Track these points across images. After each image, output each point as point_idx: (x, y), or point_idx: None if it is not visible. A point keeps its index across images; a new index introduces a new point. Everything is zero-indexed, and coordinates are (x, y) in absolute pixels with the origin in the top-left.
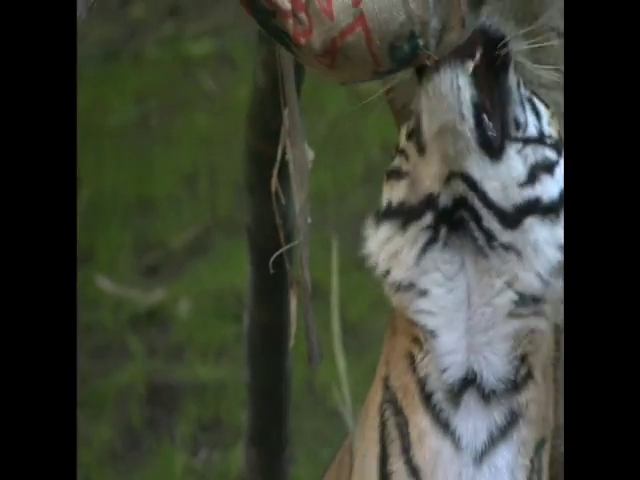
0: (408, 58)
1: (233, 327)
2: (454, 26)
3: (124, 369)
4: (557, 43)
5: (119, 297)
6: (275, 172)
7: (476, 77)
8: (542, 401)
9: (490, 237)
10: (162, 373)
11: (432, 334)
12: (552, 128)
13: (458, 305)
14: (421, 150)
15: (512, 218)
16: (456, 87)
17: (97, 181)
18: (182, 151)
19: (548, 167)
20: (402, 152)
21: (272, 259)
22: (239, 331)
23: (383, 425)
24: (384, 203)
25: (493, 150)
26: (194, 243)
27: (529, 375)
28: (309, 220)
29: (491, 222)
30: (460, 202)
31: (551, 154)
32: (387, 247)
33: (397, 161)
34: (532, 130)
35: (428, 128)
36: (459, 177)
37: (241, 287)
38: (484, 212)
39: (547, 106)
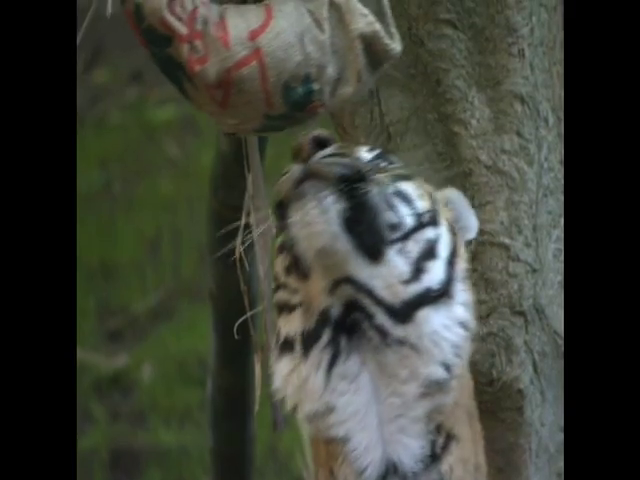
0: (301, 102)
1: (196, 392)
2: (350, 79)
3: (87, 434)
4: (520, 110)
5: (82, 362)
6: (239, 238)
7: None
8: (469, 454)
9: (383, 334)
10: (125, 438)
11: (345, 441)
12: (423, 200)
13: (366, 404)
14: (305, 276)
15: (402, 312)
16: (322, 210)
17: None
18: (145, 216)
19: (430, 251)
20: (285, 286)
21: (237, 324)
22: (202, 396)
23: None
24: (281, 337)
25: (372, 254)
26: (157, 308)
27: (449, 438)
28: (273, 285)
29: (382, 318)
30: (350, 305)
31: (430, 232)
32: (291, 380)
33: (282, 295)
34: (408, 222)
35: (306, 254)
36: (345, 282)
37: (204, 352)
38: (374, 309)
39: (409, 178)
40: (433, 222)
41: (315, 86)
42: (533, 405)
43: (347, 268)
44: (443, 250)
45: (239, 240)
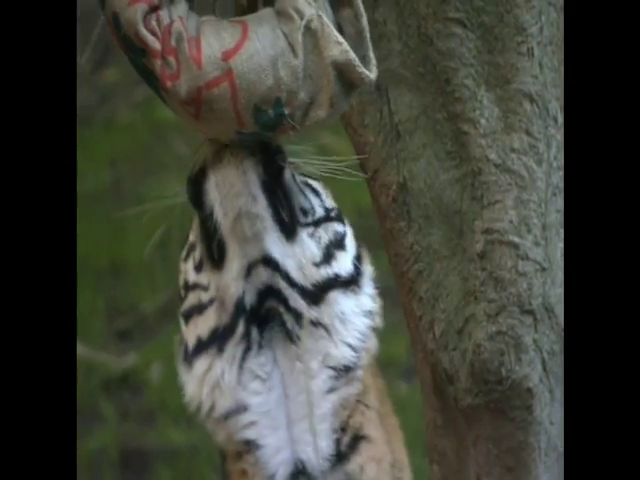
0: (272, 124)
1: None
2: (322, 103)
3: (96, 433)
4: (529, 108)
5: (91, 361)
6: None
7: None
8: (383, 453)
9: (298, 316)
10: (135, 438)
11: (255, 444)
12: (329, 199)
13: (278, 403)
14: (218, 263)
15: (314, 294)
16: (242, 171)
17: None
18: (155, 215)
19: (339, 242)
20: (195, 287)
21: None
22: None
23: None
24: (193, 342)
25: (288, 230)
26: (166, 307)
27: (358, 438)
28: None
29: (297, 300)
30: (265, 292)
31: (339, 227)
32: (207, 379)
33: (192, 298)
34: (319, 211)
35: (224, 221)
36: (260, 263)
37: None
38: (289, 292)
39: (318, 181)
40: (340, 219)
41: (286, 110)
42: (542, 404)
43: (264, 244)
44: (350, 246)
45: None
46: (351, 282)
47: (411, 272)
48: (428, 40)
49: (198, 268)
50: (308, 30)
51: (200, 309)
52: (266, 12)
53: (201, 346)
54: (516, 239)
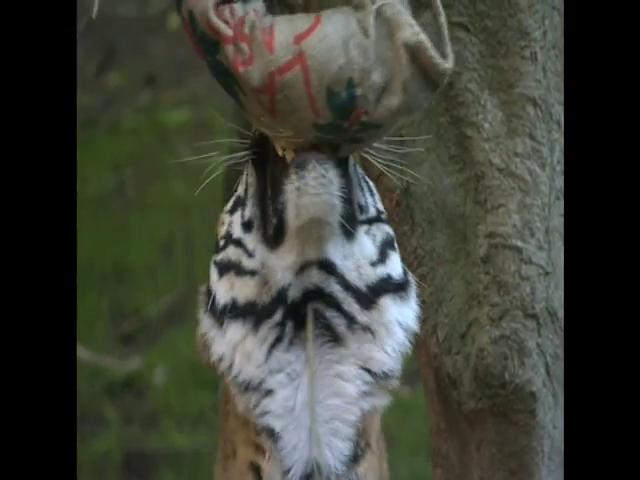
0: (345, 107)
1: (209, 395)
2: (396, 89)
3: (100, 437)
4: (532, 112)
5: (95, 365)
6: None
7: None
8: (377, 465)
9: (351, 320)
10: (138, 441)
11: (276, 437)
12: (381, 204)
13: (303, 405)
14: (274, 245)
15: (367, 299)
16: (327, 181)
17: None
18: (158, 219)
19: (391, 243)
20: (239, 244)
21: None
22: (215, 399)
23: None
24: (226, 300)
25: (348, 230)
26: (170, 311)
27: (367, 445)
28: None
29: (351, 304)
30: (313, 293)
31: (389, 229)
32: (240, 348)
33: (232, 253)
34: (372, 210)
35: (294, 222)
36: (315, 265)
37: None
38: (343, 296)
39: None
40: (388, 223)
41: (358, 91)
42: (546, 408)
43: (325, 247)
44: (398, 250)
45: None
46: (400, 287)
47: (415, 276)
48: None
49: (246, 227)
50: (380, 14)
51: (240, 271)
52: (342, 7)
53: (236, 311)
54: (519, 243)
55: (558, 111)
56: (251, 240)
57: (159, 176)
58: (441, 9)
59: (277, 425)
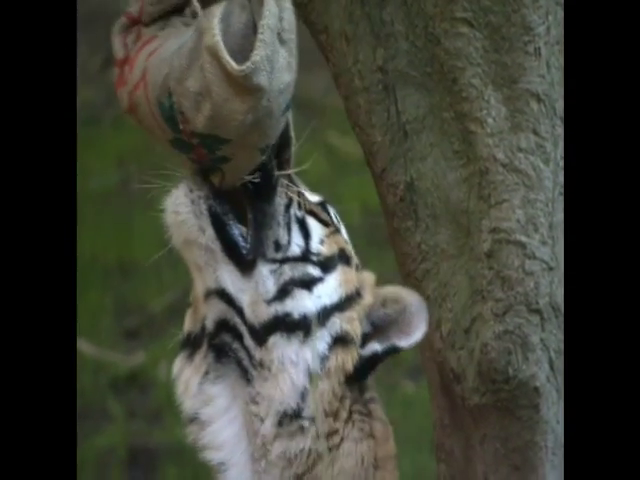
0: (170, 116)
1: None
2: (205, 94)
3: (104, 432)
4: (536, 108)
5: (99, 360)
6: None
7: (230, 198)
8: None
9: (250, 356)
10: (142, 436)
11: (220, 469)
12: (324, 246)
13: (237, 437)
14: (191, 271)
15: (259, 335)
16: (190, 200)
17: (77, 245)
18: (162, 215)
19: (306, 283)
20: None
21: None
22: None
23: None
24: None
25: (244, 263)
26: (174, 306)
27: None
28: None
29: (248, 340)
30: (222, 324)
31: (314, 271)
32: (181, 379)
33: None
34: (295, 250)
35: (176, 242)
36: (216, 295)
37: None
38: (243, 329)
39: (327, 224)
40: (322, 265)
41: (174, 98)
42: (549, 403)
43: (217, 274)
44: (324, 295)
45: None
46: (299, 326)
47: (418, 271)
48: (435, 40)
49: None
50: (200, 22)
51: (189, 305)
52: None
53: (181, 344)
54: (523, 238)
55: (562, 106)
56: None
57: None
58: (267, 12)
59: (216, 457)
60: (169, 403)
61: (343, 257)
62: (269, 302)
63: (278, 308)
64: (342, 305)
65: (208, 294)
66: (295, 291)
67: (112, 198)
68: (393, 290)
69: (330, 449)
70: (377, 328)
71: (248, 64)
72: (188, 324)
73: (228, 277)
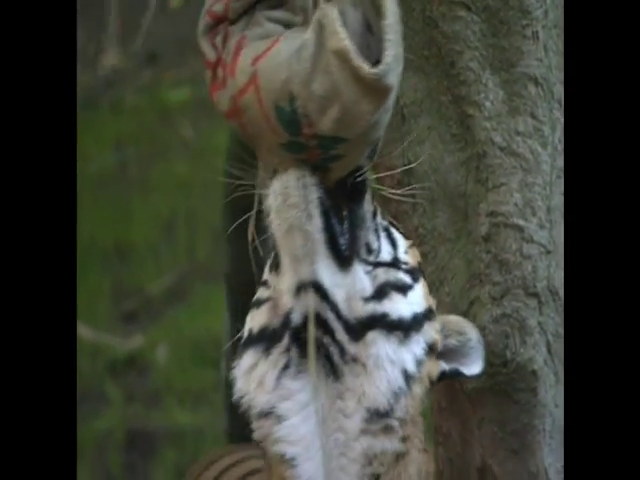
0: (291, 121)
1: (211, 373)
2: (333, 98)
3: (102, 415)
4: (534, 91)
5: (97, 343)
6: (252, 221)
7: (329, 193)
8: None
9: (342, 350)
10: (140, 419)
11: (291, 464)
12: (409, 256)
13: (313, 433)
14: (277, 266)
15: (356, 330)
16: (302, 185)
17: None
18: (160, 198)
19: (400, 287)
20: (265, 283)
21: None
22: (217, 377)
23: None
24: (245, 334)
25: (342, 259)
26: (172, 289)
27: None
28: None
29: (342, 334)
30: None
31: (405, 277)
32: (253, 374)
33: (260, 292)
34: (385, 256)
35: (277, 229)
36: (311, 287)
37: (219, 333)
38: (336, 324)
39: (406, 237)
40: (411, 274)
41: (299, 103)
42: (547, 386)
43: (315, 266)
44: (416, 303)
45: (252, 223)
46: (398, 327)
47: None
48: (433, 23)
49: (271, 268)
50: (319, 24)
51: (259, 303)
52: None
53: (250, 340)
54: (521, 222)
55: (559, 90)
56: (272, 275)
57: (161, 155)
58: (387, 11)
59: (289, 452)
60: (167, 386)
61: (421, 271)
62: (366, 300)
63: (376, 307)
64: (429, 315)
65: (300, 287)
66: (392, 293)
67: (110, 181)
68: (456, 320)
69: (406, 453)
70: (441, 351)
71: (382, 67)
72: (260, 320)
73: (326, 270)
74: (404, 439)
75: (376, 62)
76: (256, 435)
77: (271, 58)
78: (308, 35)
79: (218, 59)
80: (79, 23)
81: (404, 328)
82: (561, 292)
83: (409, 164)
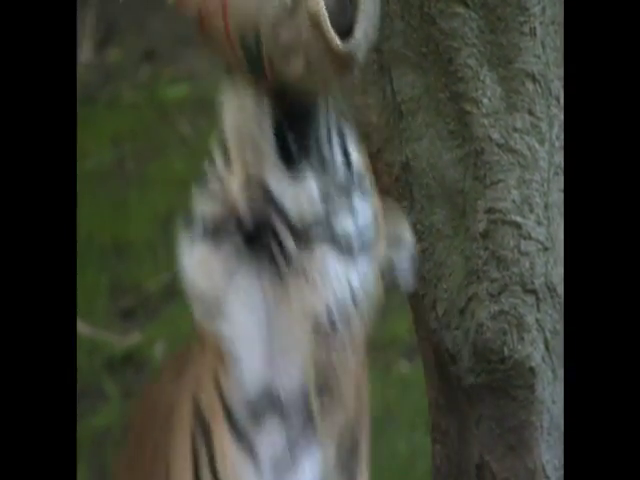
0: (255, 57)
1: None
2: (299, 52)
3: (100, 412)
4: (531, 88)
5: (95, 340)
6: None
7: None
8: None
9: (288, 259)
10: None
11: (235, 357)
12: (362, 171)
13: (259, 331)
14: (228, 161)
15: (304, 240)
16: (255, 91)
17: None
18: (158, 195)
19: (349, 203)
20: (213, 162)
21: None
22: None
23: (193, 437)
24: (197, 218)
25: (292, 165)
26: (170, 286)
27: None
28: None
29: (289, 242)
30: (261, 223)
31: (356, 192)
32: (204, 268)
33: (208, 170)
34: (338, 159)
35: (230, 134)
36: (260, 193)
37: None
38: (284, 232)
39: (358, 152)
40: (363, 189)
41: (262, 41)
42: (545, 383)
43: (264, 172)
44: (364, 215)
45: None
46: (346, 241)
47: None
48: (431, 19)
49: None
50: None
51: (210, 190)
52: None
53: (203, 231)
54: (519, 218)
55: (557, 86)
56: (219, 159)
57: (159, 152)
58: None
59: (234, 347)
60: None
61: (374, 189)
62: (315, 210)
63: (324, 219)
64: (377, 229)
65: (252, 192)
66: (340, 211)
67: (107, 178)
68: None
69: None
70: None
71: (352, 42)
72: (212, 211)
73: (275, 177)
74: (344, 349)
75: (348, 29)
76: (199, 321)
77: None
78: None
79: None
80: (78, 19)
81: (351, 242)
82: (559, 289)
83: (407, 161)
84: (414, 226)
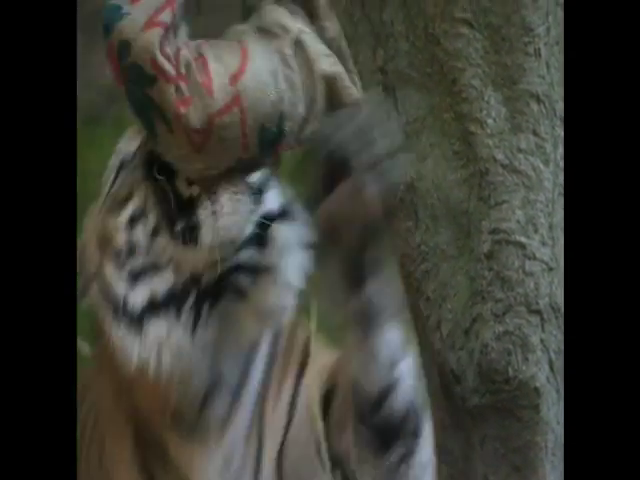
0: (274, 141)
1: None
2: (313, 120)
3: None
4: (536, 108)
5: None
6: None
7: None
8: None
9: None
10: None
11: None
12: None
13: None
14: (186, 244)
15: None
16: (241, 203)
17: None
18: None
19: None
20: (148, 250)
21: None
22: None
23: None
24: (143, 301)
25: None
26: None
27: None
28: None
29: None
30: (222, 276)
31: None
32: (169, 343)
33: (143, 259)
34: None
35: (209, 241)
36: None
37: None
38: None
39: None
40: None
41: (287, 124)
42: (549, 403)
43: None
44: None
45: None
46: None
47: (418, 272)
48: (435, 40)
49: (154, 234)
50: (297, 43)
51: (155, 269)
52: (246, 29)
53: (156, 307)
54: (523, 239)
55: (561, 107)
56: (160, 243)
57: None
58: (328, 24)
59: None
60: None
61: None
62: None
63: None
64: None
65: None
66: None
67: None
68: None
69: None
70: None
71: (359, 87)
72: (163, 286)
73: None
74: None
75: None
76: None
77: (252, 77)
78: (287, 50)
79: (178, 73)
80: (80, 40)
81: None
82: (563, 309)
83: (412, 181)
84: (418, 246)
